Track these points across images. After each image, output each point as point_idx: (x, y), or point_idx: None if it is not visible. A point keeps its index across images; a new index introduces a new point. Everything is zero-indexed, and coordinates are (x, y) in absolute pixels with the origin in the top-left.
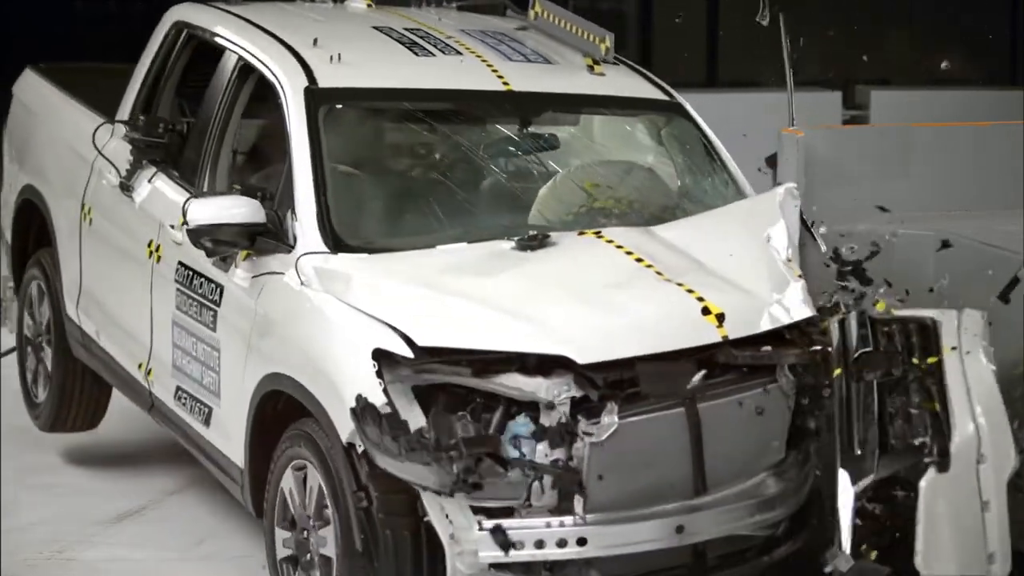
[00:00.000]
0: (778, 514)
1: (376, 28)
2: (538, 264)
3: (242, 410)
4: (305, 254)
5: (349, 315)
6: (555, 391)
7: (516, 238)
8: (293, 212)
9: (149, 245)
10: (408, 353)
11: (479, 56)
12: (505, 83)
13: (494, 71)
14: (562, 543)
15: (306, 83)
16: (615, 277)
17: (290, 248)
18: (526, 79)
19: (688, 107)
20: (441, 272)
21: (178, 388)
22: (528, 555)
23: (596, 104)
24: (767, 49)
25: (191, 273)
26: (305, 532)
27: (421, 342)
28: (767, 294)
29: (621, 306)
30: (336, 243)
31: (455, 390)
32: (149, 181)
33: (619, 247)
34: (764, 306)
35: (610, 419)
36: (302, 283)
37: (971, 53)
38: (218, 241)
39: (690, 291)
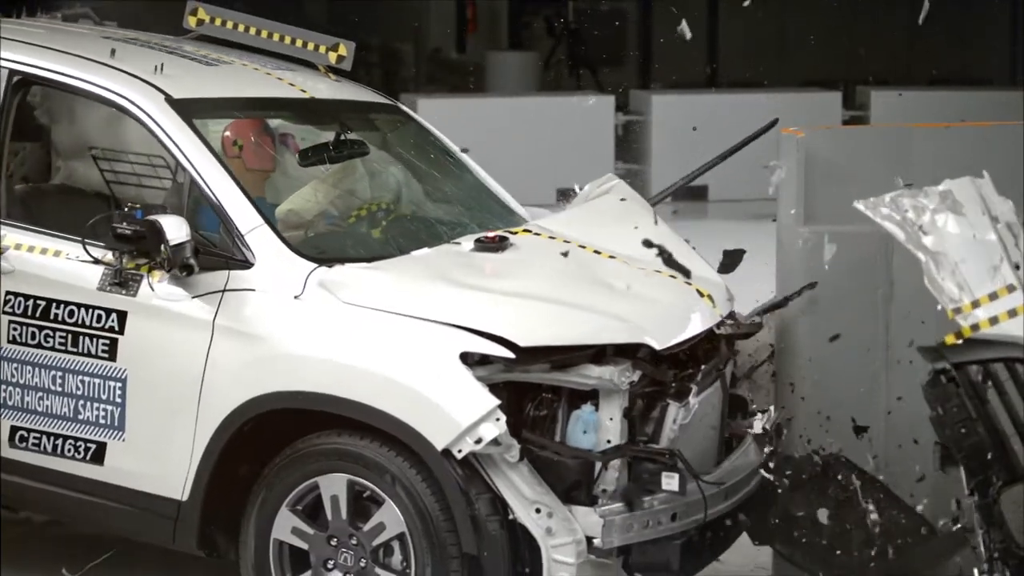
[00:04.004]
0: (758, 480)
1: (110, 39)
2: (544, 262)
3: (192, 437)
4: (316, 269)
5: (415, 324)
6: (622, 377)
7: (473, 239)
8: (229, 228)
9: None
10: (507, 354)
11: (246, 64)
12: (302, 91)
13: (279, 79)
14: (658, 521)
15: (162, 96)
16: (610, 270)
17: (243, 263)
18: (314, 87)
19: (408, 110)
20: (462, 274)
21: (17, 429)
22: (637, 535)
23: (366, 110)
24: (767, 49)
25: (43, 302)
26: (334, 540)
27: (523, 343)
28: (716, 278)
29: (645, 296)
30: (306, 255)
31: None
32: None
33: (567, 242)
34: (721, 288)
35: (694, 400)
36: (296, 297)
37: (971, 53)
38: (188, 258)
39: (672, 277)
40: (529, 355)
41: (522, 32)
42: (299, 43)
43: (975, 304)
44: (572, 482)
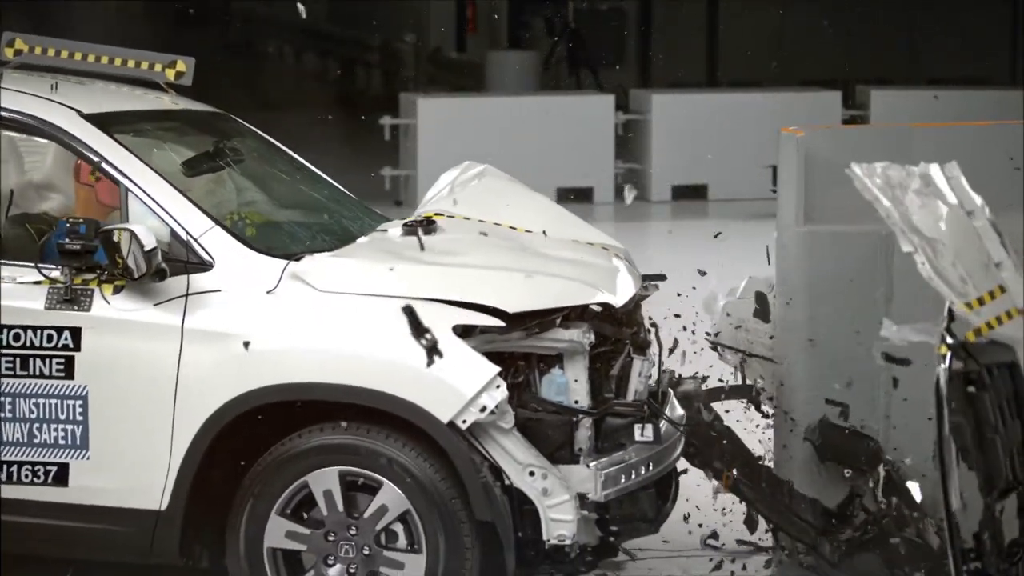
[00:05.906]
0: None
1: None
2: (476, 239)
3: (169, 443)
4: (289, 262)
5: (400, 303)
6: (584, 338)
7: (400, 224)
8: (180, 232)
9: None
10: (497, 323)
11: (107, 84)
12: (174, 103)
13: (144, 93)
14: (639, 472)
15: (75, 112)
16: (536, 242)
17: (201, 266)
18: (174, 100)
19: (245, 123)
20: (418, 254)
21: None
22: (623, 487)
23: (224, 121)
24: (767, 49)
25: None
26: (332, 535)
27: (511, 310)
28: (620, 244)
29: (583, 261)
30: (260, 251)
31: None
32: None
33: (482, 221)
34: (626, 252)
35: (654, 354)
36: (270, 291)
37: (971, 53)
38: (160, 263)
39: (591, 243)
40: (511, 323)
41: (522, 32)
42: (131, 63)
43: (981, 301)
44: (559, 443)
